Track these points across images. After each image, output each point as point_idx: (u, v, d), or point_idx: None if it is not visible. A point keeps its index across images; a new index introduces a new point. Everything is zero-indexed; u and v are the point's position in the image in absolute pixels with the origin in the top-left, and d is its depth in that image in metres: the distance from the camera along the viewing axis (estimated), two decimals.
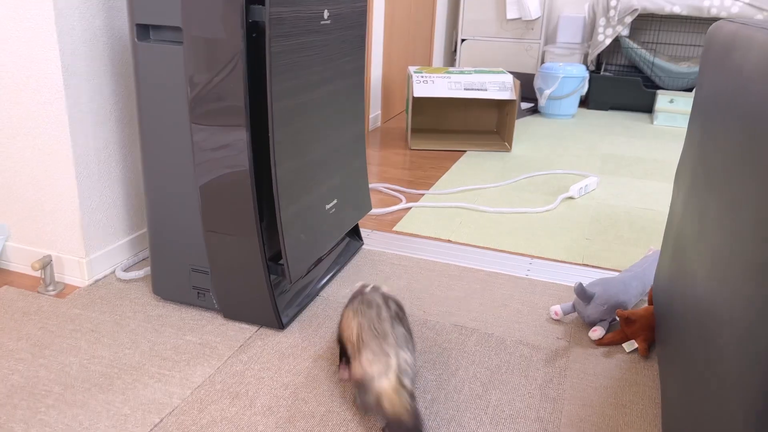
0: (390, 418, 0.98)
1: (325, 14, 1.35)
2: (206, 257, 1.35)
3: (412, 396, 1.00)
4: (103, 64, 1.45)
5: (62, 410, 1.08)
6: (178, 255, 1.38)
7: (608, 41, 3.80)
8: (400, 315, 1.14)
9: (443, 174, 2.54)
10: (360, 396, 1.04)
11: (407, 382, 1.01)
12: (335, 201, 1.52)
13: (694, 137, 1.16)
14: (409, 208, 2.13)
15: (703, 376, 0.81)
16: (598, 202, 2.27)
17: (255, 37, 1.20)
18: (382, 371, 1.01)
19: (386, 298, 1.16)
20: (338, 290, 1.54)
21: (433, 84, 2.87)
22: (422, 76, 2.89)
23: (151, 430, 1.04)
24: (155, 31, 1.25)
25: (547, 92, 3.61)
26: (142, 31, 1.25)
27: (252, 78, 1.20)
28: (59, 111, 1.38)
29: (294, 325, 1.38)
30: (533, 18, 4.04)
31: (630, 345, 1.33)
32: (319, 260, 1.57)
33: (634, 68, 4.06)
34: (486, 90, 2.86)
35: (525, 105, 3.86)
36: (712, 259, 0.84)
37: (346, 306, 1.18)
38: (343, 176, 1.57)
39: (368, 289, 1.19)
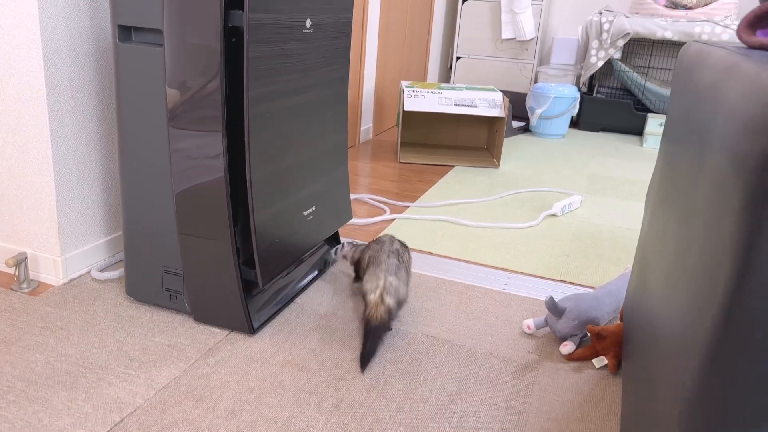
0: (366, 320, 1.34)
1: (308, 23, 1.36)
2: (179, 259, 1.35)
3: (388, 311, 1.33)
4: (87, 64, 1.46)
5: (23, 406, 1.08)
6: (151, 255, 1.38)
7: (600, 63, 3.84)
8: (399, 252, 1.47)
9: (430, 188, 2.55)
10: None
11: (388, 299, 1.34)
12: (313, 208, 1.53)
13: (662, 156, 1.17)
14: (393, 220, 2.14)
15: (651, 387, 0.82)
16: (580, 220, 2.28)
17: (235, 42, 1.21)
18: (372, 289, 1.36)
19: (393, 239, 1.52)
20: (313, 297, 1.54)
21: (424, 99, 2.89)
22: (413, 91, 2.91)
23: (112, 429, 1.04)
24: (137, 32, 1.26)
25: (539, 112, 3.64)
26: (124, 32, 1.26)
27: (231, 82, 1.21)
28: (40, 109, 1.39)
29: (265, 331, 1.37)
30: (528, 39, 4.08)
31: (600, 361, 1.33)
32: (297, 265, 1.57)
33: (626, 91, 4.10)
34: (476, 107, 2.88)
35: (516, 124, 3.89)
36: (666, 273, 0.85)
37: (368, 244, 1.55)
38: (322, 184, 1.57)
39: (384, 233, 1.51)
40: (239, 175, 1.29)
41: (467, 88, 2.98)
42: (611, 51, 3.82)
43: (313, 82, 1.44)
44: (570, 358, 1.35)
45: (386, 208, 2.25)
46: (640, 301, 1.11)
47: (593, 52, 3.86)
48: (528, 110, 3.73)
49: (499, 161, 2.94)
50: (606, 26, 3.77)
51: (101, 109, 1.52)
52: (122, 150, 1.33)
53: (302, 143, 1.44)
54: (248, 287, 1.37)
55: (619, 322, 1.45)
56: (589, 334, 1.37)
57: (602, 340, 1.34)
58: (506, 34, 4.12)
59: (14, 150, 1.45)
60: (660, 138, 3.63)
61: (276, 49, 1.26)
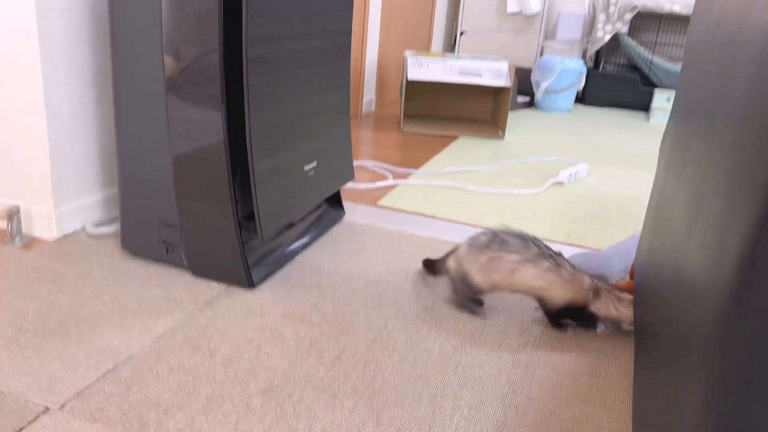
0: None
1: None
2: (175, 211, 1.31)
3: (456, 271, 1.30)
4: (81, 11, 1.41)
5: (13, 352, 1.04)
6: (147, 207, 1.33)
7: (607, 37, 3.77)
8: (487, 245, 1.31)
9: (433, 156, 2.50)
10: None
11: (451, 262, 1.32)
12: (315, 163, 1.48)
13: (679, 99, 1.12)
14: (395, 186, 2.09)
15: (670, 340, 0.78)
16: (587, 188, 2.24)
17: None
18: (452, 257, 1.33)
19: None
20: (315, 255, 1.50)
21: (428, 68, 2.83)
22: (418, 60, 2.85)
23: (104, 375, 1.00)
24: None
25: (544, 85, 3.58)
26: None
27: (230, 28, 1.16)
28: (32, 56, 1.34)
29: (265, 286, 1.33)
30: (533, 13, 4.01)
31: None
32: (296, 223, 1.53)
33: (632, 67, 4.03)
34: (481, 75, 2.83)
35: (522, 99, 3.83)
36: (683, 207, 0.81)
37: None
38: (324, 139, 1.53)
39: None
40: (239, 123, 1.25)
41: (472, 57, 2.92)
42: (618, 25, 3.75)
43: (315, 30, 1.39)
44: None
45: (389, 174, 2.20)
46: (654, 250, 1.07)
47: (600, 25, 3.79)
48: (533, 84, 3.68)
49: (504, 132, 2.89)
50: None
51: (96, 60, 1.47)
52: (117, 99, 1.28)
53: (303, 94, 1.39)
54: (248, 244, 1.33)
55: (628, 280, 1.41)
56: None
57: None
58: (512, 7, 4.05)
59: (5, 99, 1.40)
60: (667, 113, 3.58)
61: None
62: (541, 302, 1.26)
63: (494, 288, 1.27)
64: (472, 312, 1.29)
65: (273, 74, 1.26)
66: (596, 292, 1.22)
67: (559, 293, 1.23)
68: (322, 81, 1.47)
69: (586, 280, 1.23)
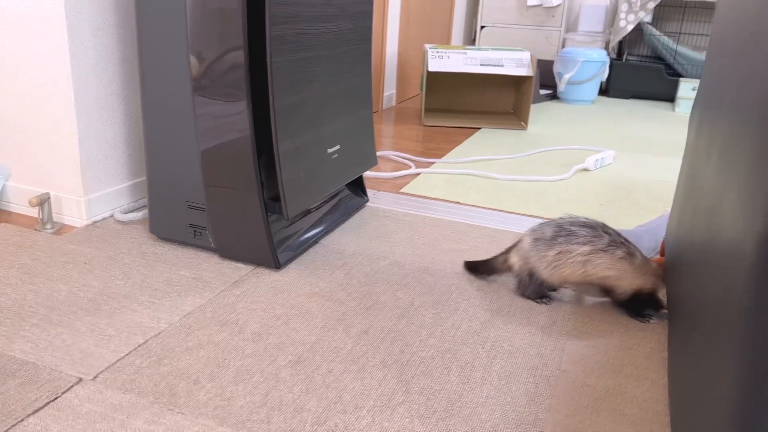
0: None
1: None
2: (203, 193, 1.32)
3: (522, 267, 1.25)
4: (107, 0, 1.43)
5: (45, 329, 1.05)
6: (175, 190, 1.35)
7: (630, 27, 3.73)
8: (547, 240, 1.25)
9: (455, 147, 2.49)
10: None
11: (514, 258, 1.26)
12: (338, 146, 1.49)
13: (707, 80, 1.10)
14: (418, 174, 2.09)
15: (702, 301, 0.76)
16: (613, 174, 2.21)
17: None
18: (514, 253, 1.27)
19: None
20: (339, 238, 1.50)
21: (448, 59, 2.83)
22: (438, 52, 2.85)
23: (135, 349, 1.01)
24: None
25: (567, 77, 3.55)
26: None
27: (252, 7, 1.17)
28: (60, 44, 1.36)
29: (291, 266, 1.34)
30: (554, 5, 3.98)
31: None
32: (320, 208, 1.53)
33: (656, 58, 3.98)
34: (503, 66, 2.81)
35: (544, 91, 3.80)
36: (718, 155, 0.79)
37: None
38: (347, 123, 1.53)
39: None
40: (262, 104, 1.25)
41: (493, 49, 2.91)
42: (641, 14, 3.71)
43: (336, 11, 1.39)
44: None
45: (411, 163, 2.19)
46: (686, 227, 1.05)
47: (622, 15, 3.75)
48: (556, 76, 3.65)
49: (526, 123, 2.87)
50: None
51: (122, 47, 1.49)
52: (144, 83, 1.30)
53: (326, 76, 1.40)
54: (274, 227, 1.33)
55: (659, 257, 1.38)
56: None
57: None
58: (532, 0, 4.02)
59: (35, 88, 1.43)
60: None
61: None
62: (611, 292, 1.21)
63: (564, 282, 1.21)
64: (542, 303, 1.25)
65: (295, 54, 1.26)
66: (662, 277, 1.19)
67: (630, 282, 1.18)
68: (344, 64, 1.48)
69: (654, 265, 1.20)
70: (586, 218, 1.21)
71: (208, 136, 1.26)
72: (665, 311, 1.21)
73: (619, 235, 1.19)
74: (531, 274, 1.22)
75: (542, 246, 1.20)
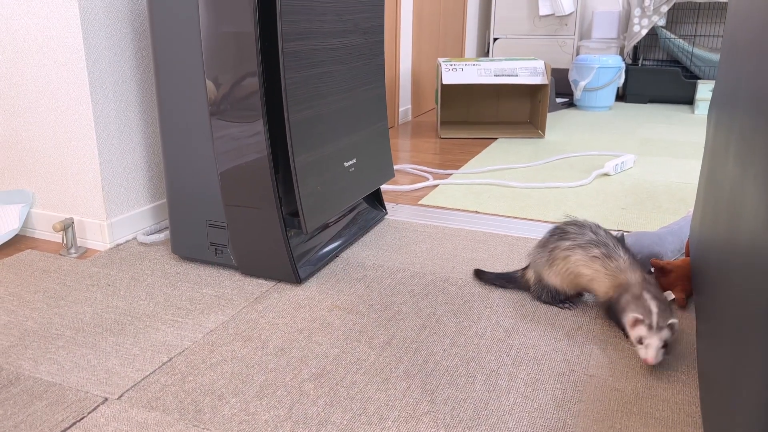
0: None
1: None
2: (222, 211, 1.33)
3: (532, 277, 1.25)
4: (123, 25, 1.46)
5: (72, 350, 1.06)
6: (194, 211, 1.36)
7: (644, 32, 3.71)
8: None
9: (473, 158, 2.49)
10: None
11: (529, 272, 1.26)
12: (354, 160, 1.49)
13: (724, 63, 1.09)
14: (436, 185, 2.09)
15: (729, 296, 0.74)
16: (634, 178, 2.18)
17: None
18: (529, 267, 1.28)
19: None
20: (359, 252, 1.50)
21: (462, 72, 2.83)
22: (451, 65, 2.86)
23: (160, 367, 1.02)
24: None
25: (583, 84, 3.53)
26: None
27: (265, 24, 1.18)
28: (79, 70, 1.39)
29: (312, 281, 1.34)
30: (566, 13, 3.98)
31: (667, 296, 1.25)
32: (339, 221, 1.54)
33: (672, 62, 3.95)
34: (517, 75, 2.81)
35: (560, 100, 3.79)
36: (735, 152, 0.78)
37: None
38: (362, 136, 1.53)
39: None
40: (278, 119, 1.27)
41: (507, 59, 2.91)
42: (655, 18, 3.69)
43: (348, 27, 1.41)
44: None
45: (428, 175, 2.19)
46: (708, 222, 1.03)
47: (636, 20, 3.73)
48: (572, 83, 3.63)
49: (544, 131, 2.85)
50: None
51: (140, 71, 1.52)
52: (161, 103, 1.32)
53: (340, 90, 1.41)
54: (293, 242, 1.34)
55: (685, 257, 1.36)
56: (652, 269, 1.29)
57: (667, 275, 1.26)
58: (544, 10, 4.03)
59: (57, 116, 1.46)
60: None
61: None
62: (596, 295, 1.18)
63: (565, 283, 1.19)
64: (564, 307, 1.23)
65: (309, 70, 1.28)
66: (636, 293, 1.06)
67: (603, 285, 1.13)
68: (358, 78, 1.49)
69: (635, 276, 1.10)
70: (583, 220, 1.21)
71: (226, 158, 1.27)
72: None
73: (607, 235, 1.16)
74: (539, 279, 1.23)
75: (540, 248, 1.23)
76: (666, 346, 0.99)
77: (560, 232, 1.21)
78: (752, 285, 0.65)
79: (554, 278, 1.20)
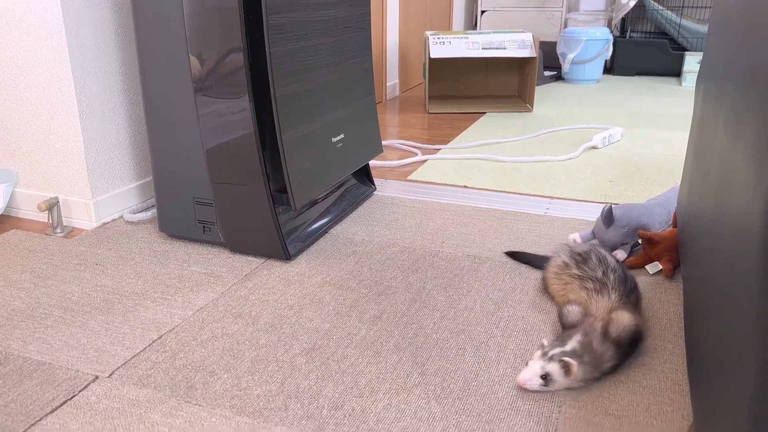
0: None
1: None
2: (209, 188, 1.32)
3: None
4: (104, 1, 1.43)
5: (61, 329, 1.06)
6: (181, 188, 1.35)
7: (632, 3, 3.68)
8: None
9: (461, 132, 2.48)
10: None
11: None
12: (342, 135, 1.48)
13: (712, 37, 1.08)
14: (425, 161, 2.08)
15: (716, 264, 0.75)
16: (622, 150, 2.19)
17: None
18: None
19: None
20: (348, 228, 1.49)
21: (450, 45, 2.81)
22: (439, 38, 2.83)
23: (150, 345, 1.01)
24: None
25: (571, 56, 3.52)
26: None
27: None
28: (60, 46, 1.36)
29: (301, 257, 1.34)
30: None
31: (654, 267, 1.26)
32: (327, 198, 1.53)
33: (660, 34, 3.93)
34: (505, 48, 2.79)
35: (548, 73, 3.77)
36: (725, 123, 0.78)
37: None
38: (350, 111, 1.52)
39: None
40: (264, 94, 1.25)
41: (495, 32, 2.88)
42: None
43: None
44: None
45: (417, 151, 2.18)
46: (696, 198, 1.04)
47: None
48: (560, 56, 3.62)
49: (532, 105, 2.84)
50: None
51: (122, 47, 1.49)
52: (145, 80, 1.30)
53: (326, 64, 1.39)
54: (282, 219, 1.33)
55: (672, 228, 1.37)
56: (640, 240, 1.30)
57: (655, 246, 1.27)
58: None
59: (38, 92, 1.43)
60: None
61: None
62: None
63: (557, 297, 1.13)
64: None
65: (294, 43, 1.26)
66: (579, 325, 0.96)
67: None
68: (344, 51, 1.47)
69: (603, 303, 0.99)
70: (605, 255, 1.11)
71: (212, 134, 1.26)
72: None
73: (582, 256, 1.09)
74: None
75: (560, 265, 1.15)
76: (546, 378, 0.88)
77: (581, 261, 1.09)
78: (740, 254, 0.65)
79: (550, 289, 1.15)
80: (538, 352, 0.91)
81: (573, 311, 0.99)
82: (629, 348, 0.95)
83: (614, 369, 0.93)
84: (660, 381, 0.92)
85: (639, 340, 0.97)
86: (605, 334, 0.92)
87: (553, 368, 0.87)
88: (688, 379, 0.92)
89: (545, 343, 0.92)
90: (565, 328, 0.99)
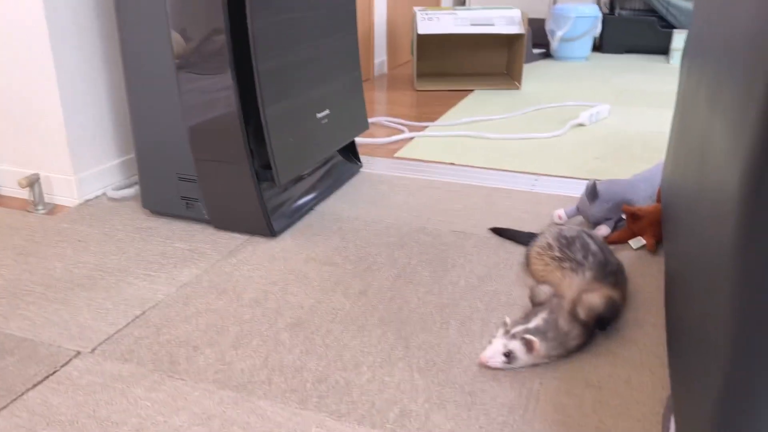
0: None
1: None
2: (192, 164, 1.30)
3: None
4: None
5: (43, 306, 1.05)
6: (164, 164, 1.33)
7: None
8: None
9: (449, 110, 2.47)
10: None
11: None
12: (327, 111, 1.47)
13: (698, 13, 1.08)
14: (412, 138, 2.07)
15: (697, 238, 0.75)
16: (609, 128, 2.19)
17: None
18: None
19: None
20: (334, 204, 1.49)
21: (438, 21, 2.78)
22: (427, 14, 2.80)
23: (133, 320, 1.01)
24: None
25: (560, 34, 3.50)
26: None
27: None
28: (38, 19, 1.33)
29: (286, 234, 1.33)
30: None
31: (637, 242, 1.27)
32: (313, 174, 1.52)
33: (649, 11, 3.92)
34: (493, 25, 2.77)
35: (537, 50, 3.75)
36: (706, 96, 0.77)
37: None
38: (335, 87, 1.51)
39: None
40: (247, 69, 1.23)
41: (483, 8, 2.86)
42: None
43: None
44: (606, 241, 1.28)
45: (404, 128, 2.17)
46: (679, 172, 1.04)
47: None
48: (548, 33, 3.60)
49: (520, 82, 2.83)
50: None
51: (101, 21, 1.47)
52: (125, 56, 1.27)
53: (310, 38, 1.37)
54: (267, 195, 1.32)
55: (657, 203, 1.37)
56: (624, 216, 1.30)
57: (638, 221, 1.27)
58: None
59: (17, 67, 1.40)
60: None
61: None
62: None
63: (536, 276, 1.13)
64: None
65: (277, 16, 1.24)
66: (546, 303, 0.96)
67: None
68: (328, 26, 1.45)
69: (576, 282, 0.99)
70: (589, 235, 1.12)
71: (194, 112, 1.24)
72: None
73: (565, 239, 1.09)
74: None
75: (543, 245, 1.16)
76: (509, 355, 0.88)
77: (565, 244, 1.09)
78: (717, 230, 0.65)
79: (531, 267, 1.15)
80: (501, 330, 0.91)
81: (542, 290, 1.00)
82: (596, 327, 0.95)
83: (581, 347, 0.93)
84: (641, 354, 0.93)
85: (609, 320, 0.97)
86: (573, 312, 0.93)
87: (515, 345, 0.88)
88: (667, 353, 0.93)
89: (508, 321, 0.92)
90: (534, 305, 1.00)
